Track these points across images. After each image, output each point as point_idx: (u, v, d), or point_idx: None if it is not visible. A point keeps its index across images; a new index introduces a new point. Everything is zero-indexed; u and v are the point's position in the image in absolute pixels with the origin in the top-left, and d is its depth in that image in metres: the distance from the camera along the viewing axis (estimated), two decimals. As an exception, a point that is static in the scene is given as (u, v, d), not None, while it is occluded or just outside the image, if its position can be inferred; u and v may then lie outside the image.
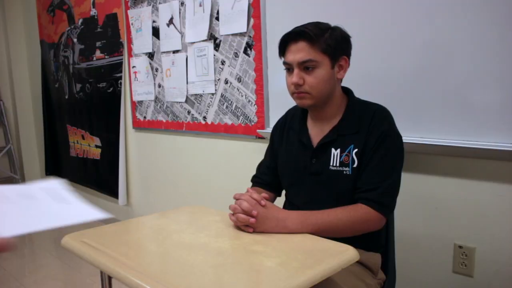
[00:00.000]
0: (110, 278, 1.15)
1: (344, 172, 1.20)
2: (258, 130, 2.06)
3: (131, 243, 1.04)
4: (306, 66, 1.18)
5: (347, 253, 0.96)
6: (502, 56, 1.26)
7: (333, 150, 1.22)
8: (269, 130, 1.92)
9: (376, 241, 1.26)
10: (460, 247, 1.46)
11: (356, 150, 1.19)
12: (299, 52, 1.18)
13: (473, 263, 1.43)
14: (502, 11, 1.25)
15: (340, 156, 1.21)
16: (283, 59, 1.24)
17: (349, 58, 1.23)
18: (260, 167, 1.47)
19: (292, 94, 1.23)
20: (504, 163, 1.34)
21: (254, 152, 2.12)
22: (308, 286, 0.83)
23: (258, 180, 1.44)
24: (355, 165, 1.19)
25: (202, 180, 2.48)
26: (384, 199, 1.14)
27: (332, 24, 1.21)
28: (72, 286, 2.39)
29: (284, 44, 1.21)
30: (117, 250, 0.99)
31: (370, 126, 1.19)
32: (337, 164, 1.21)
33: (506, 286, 1.38)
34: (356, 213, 1.13)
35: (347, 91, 1.29)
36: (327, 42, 1.17)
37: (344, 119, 1.24)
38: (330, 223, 1.11)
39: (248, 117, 2.12)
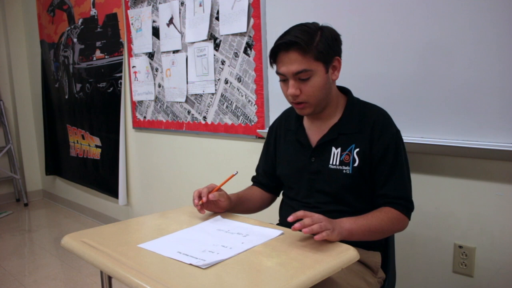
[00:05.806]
0: (110, 278, 1.15)
1: (344, 171, 1.20)
2: (258, 130, 2.06)
3: (131, 243, 1.04)
4: (300, 77, 1.15)
5: (347, 253, 0.96)
6: (502, 56, 1.26)
7: (333, 148, 1.22)
8: (269, 130, 1.92)
9: (376, 240, 1.26)
10: (460, 247, 1.46)
11: (358, 149, 1.19)
12: (292, 63, 1.14)
13: (473, 263, 1.43)
14: (501, 12, 1.25)
15: (341, 155, 1.21)
16: (275, 68, 1.20)
17: (341, 57, 1.20)
18: (258, 168, 1.49)
19: (291, 103, 1.22)
20: (504, 163, 1.34)
21: (254, 152, 2.12)
22: (308, 286, 0.83)
23: (256, 182, 1.47)
24: (356, 164, 1.19)
25: (202, 180, 2.48)
26: (411, 206, 1.20)
27: (321, 22, 1.19)
28: (72, 286, 2.39)
29: (275, 54, 1.17)
30: (117, 250, 0.99)
31: (376, 129, 1.18)
32: (337, 163, 1.21)
33: (506, 286, 1.38)
34: (392, 216, 1.16)
35: (345, 91, 1.29)
36: (319, 49, 1.13)
37: (344, 118, 1.24)
38: (375, 225, 1.12)
39: (248, 117, 2.12)
